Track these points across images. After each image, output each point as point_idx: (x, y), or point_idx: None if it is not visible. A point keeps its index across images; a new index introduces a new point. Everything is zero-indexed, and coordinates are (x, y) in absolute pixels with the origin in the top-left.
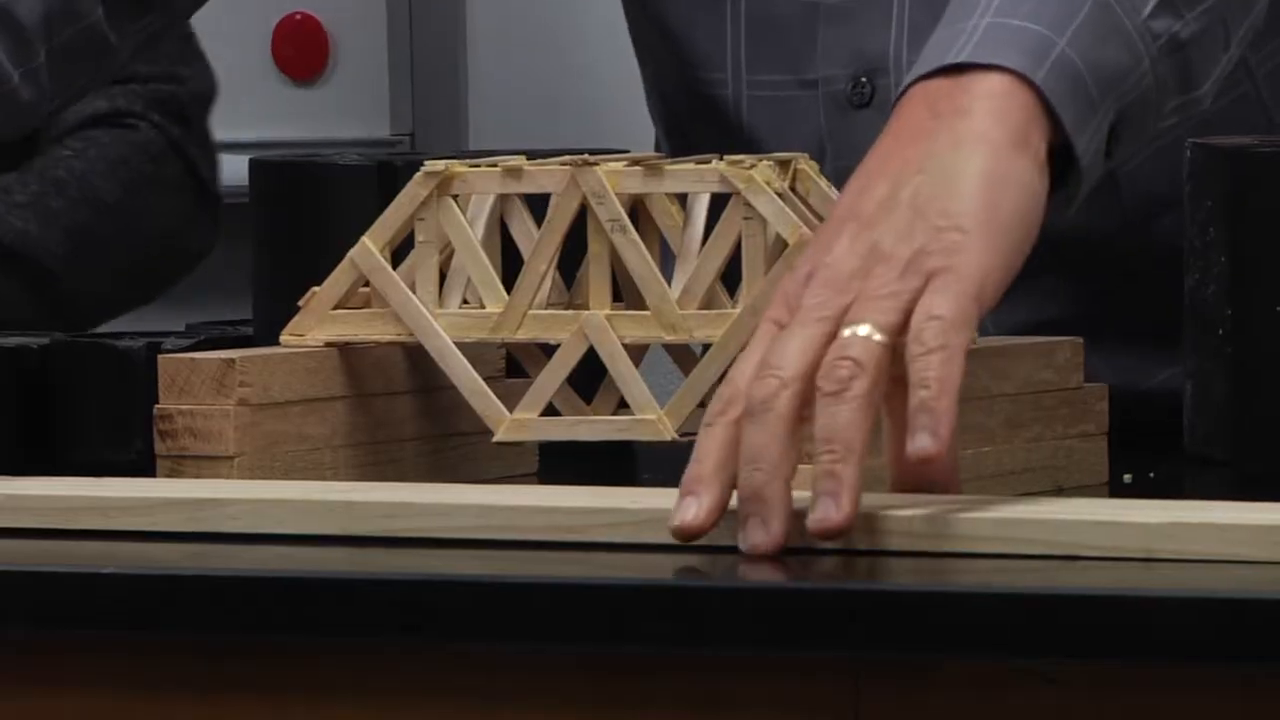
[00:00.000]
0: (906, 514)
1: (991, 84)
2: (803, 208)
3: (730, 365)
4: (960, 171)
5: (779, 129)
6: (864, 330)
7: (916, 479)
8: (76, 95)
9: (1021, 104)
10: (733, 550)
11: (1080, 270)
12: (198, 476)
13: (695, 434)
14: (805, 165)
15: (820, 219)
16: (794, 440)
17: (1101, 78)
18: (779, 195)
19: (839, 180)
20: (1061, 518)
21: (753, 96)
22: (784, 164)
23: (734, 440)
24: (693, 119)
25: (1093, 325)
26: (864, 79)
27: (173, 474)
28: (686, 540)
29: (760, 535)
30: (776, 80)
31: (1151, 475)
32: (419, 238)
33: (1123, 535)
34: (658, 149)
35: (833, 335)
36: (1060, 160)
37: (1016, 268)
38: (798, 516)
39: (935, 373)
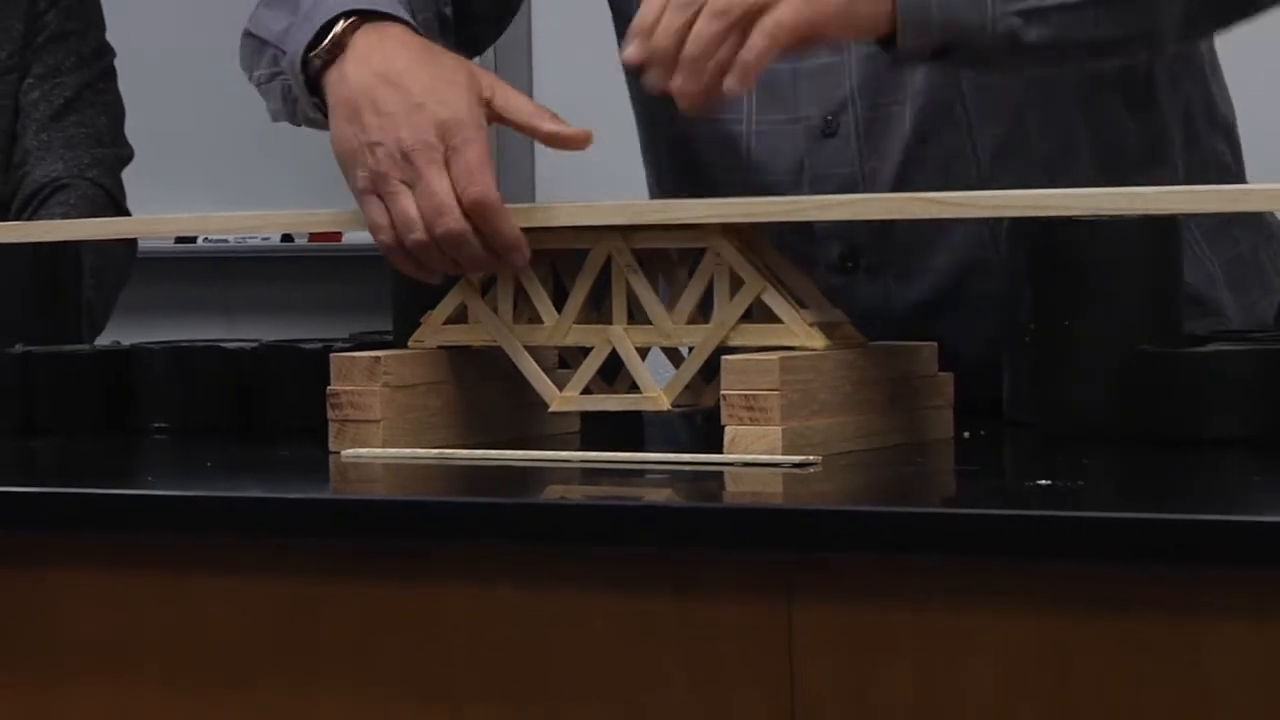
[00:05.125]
0: None
1: None
2: (755, 258)
3: (706, 360)
4: None
5: (773, 153)
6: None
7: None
8: None
9: None
10: (710, 482)
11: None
12: (355, 436)
13: (685, 406)
14: (761, 234)
15: (769, 269)
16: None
17: (947, 16)
18: (739, 250)
19: (815, 188)
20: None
21: (758, 131)
22: (740, 230)
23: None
24: (707, 154)
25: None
26: (830, 116)
27: (339, 435)
28: (629, 64)
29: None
30: (774, 119)
31: (982, 433)
32: (500, 277)
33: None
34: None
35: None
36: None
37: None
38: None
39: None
